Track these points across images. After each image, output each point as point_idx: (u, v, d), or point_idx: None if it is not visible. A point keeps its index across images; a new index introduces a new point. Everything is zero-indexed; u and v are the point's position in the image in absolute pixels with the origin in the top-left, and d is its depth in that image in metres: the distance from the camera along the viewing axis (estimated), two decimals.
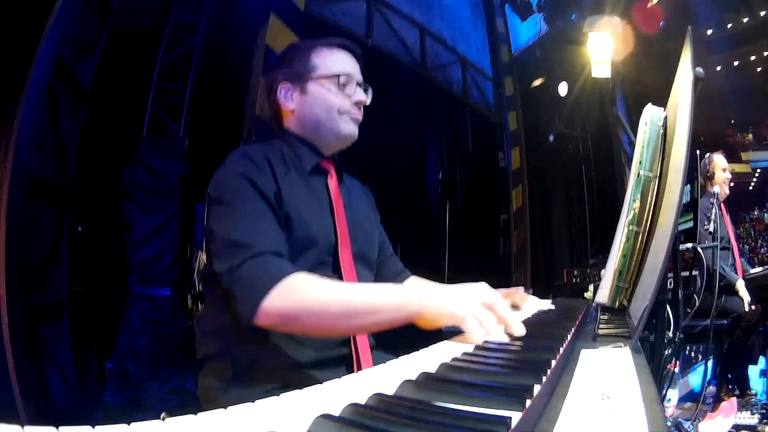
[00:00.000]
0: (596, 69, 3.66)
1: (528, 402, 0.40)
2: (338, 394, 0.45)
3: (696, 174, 1.91)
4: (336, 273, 0.97)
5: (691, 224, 1.77)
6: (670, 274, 1.21)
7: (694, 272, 1.76)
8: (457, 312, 0.72)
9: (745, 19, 7.22)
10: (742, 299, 2.53)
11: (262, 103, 3.11)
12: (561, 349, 0.60)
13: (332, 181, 1.04)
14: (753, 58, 8.27)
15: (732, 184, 2.95)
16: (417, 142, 5.46)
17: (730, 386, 2.69)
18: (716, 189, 2.57)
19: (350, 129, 1.04)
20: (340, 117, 1.03)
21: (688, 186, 1.88)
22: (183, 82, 3.62)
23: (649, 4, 5.93)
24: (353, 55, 1.07)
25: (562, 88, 6.19)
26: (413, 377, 0.48)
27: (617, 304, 0.93)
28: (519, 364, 0.52)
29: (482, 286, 0.78)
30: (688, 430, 1.96)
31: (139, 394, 2.95)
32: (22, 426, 0.28)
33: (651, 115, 1.01)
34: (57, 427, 0.29)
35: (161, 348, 3.13)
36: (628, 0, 5.70)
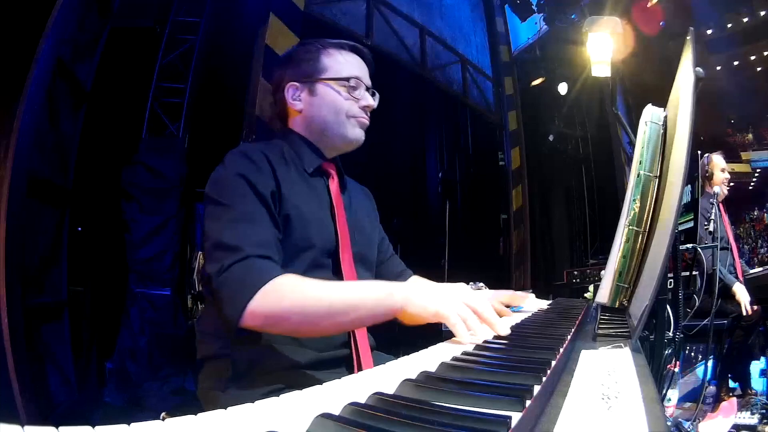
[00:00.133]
0: (596, 69, 3.66)
1: (528, 402, 0.40)
2: (338, 394, 0.45)
3: (696, 174, 1.92)
4: (336, 274, 0.97)
5: (691, 224, 1.78)
6: (670, 275, 1.21)
7: (694, 272, 1.76)
8: (442, 310, 0.73)
9: (745, 19, 7.21)
10: (739, 303, 2.50)
11: (262, 103, 3.13)
12: (561, 349, 0.60)
13: (333, 183, 1.04)
14: (753, 58, 8.26)
15: (732, 184, 2.94)
16: (417, 142, 5.46)
17: (730, 385, 2.70)
18: (716, 189, 2.57)
19: (357, 133, 1.04)
20: (348, 121, 1.02)
21: (689, 186, 1.88)
22: (183, 82, 3.62)
23: (649, 4, 5.93)
24: (363, 59, 1.07)
25: (562, 88, 6.19)
26: (413, 377, 0.48)
27: (617, 304, 0.92)
28: (519, 364, 0.52)
29: (465, 288, 0.78)
30: (688, 430, 1.96)
31: (139, 394, 2.95)
32: (22, 426, 0.28)
33: (651, 114, 1.01)
34: (57, 427, 0.29)
35: (161, 348, 3.12)
36: (628, 0, 5.70)
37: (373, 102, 1.05)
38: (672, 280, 1.24)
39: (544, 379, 0.46)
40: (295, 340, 0.91)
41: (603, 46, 3.59)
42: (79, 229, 2.98)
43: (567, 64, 6.18)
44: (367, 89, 1.05)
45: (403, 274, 1.26)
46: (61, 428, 0.29)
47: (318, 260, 0.95)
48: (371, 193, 1.24)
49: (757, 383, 2.75)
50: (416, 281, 1.28)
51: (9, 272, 2.11)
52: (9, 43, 2.23)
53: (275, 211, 0.90)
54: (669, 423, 1.94)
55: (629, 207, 0.95)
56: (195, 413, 0.37)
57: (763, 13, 6.94)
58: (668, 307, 1.08)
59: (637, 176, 0.96)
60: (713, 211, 2.20)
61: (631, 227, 0.93)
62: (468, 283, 1.24)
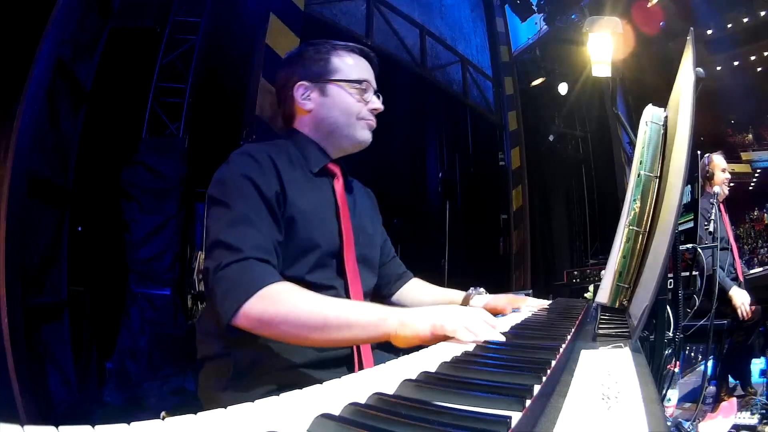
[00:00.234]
0: (596, 69, 3.66)
1: (528, 402, 0.40)
2: (338, 393, 0.45)
3: (696, 174, 1.91)
4: (340, 275, 0.98)
5: (691, 224, 1.78)
6: (670, 275, 1.21)
7: (694, 272, 1.76)
8: (438, 321, 0.73)
9: (745, 19, 7.21)
10: (735, 308, 2.46)
11: (262, 103, 3.13)
12: (561, 349, 0.60)
13: (338, 184, 1.04)
14: (753, 58, 8.26)
15: (732, 184, 2.94)
16: (417, 142, 5.46)
17: (730, 383, 2.70)
18: (716, 189, 2.56)
19: (366, 135, 1.05)
20: (358, 123, 1.03)
21: (689, 186, 1.88)
22: (183, 82, 3.62)
23: (649, 4, 5.93)
24: (370, 62, 1.08)
25: (562, 88, 6.19)
26: (413, 377, 0.48)
27: (617, 304, 0.92)
28: (519, 363, 0.52)
29: (457, 307, 0.78)
30: (688, 430, 1.96)
31: (139, 394, 2.95)
32: (22, 426, 0.28)
33: (651, 115, 1.01)
34: (57, 427, 0.29)
35: (161, 348, 3.12)
36: (628, 0, 5.70)
37: (381, 105, 1.06)
38: (672, 280, 1.24)
39: (544, 379, 0.46)
40: None
41: (603, 46, 3.59)
42: (79, 229, 2.98)
43: (567, 64, 6.18)
44: (375, 92, 1.06)
45: (403, 277, 1.26)
46: (61, 428, 0.29)
47: (322, 261, 0.95)
48: (374, 195, 1.24)
49: (757, 383, 2.76)
50: (417, 284, 1.28)
51: (9, 272, 2.11)
52: (9, 43, 2.23)
53: (279, 212, 0.90)
54: (669, 423, 1.93)
55: (629, 207, 0.95)
56: (195, 413, 0.37)
57: (763, 13, 6.94)
58: (668, 307, 1.08)
59: (638, 176, 0.96)
60: (713, 211, 2.20)
61: (631, 227, 0.93)
62: (468, 288, 1.24)
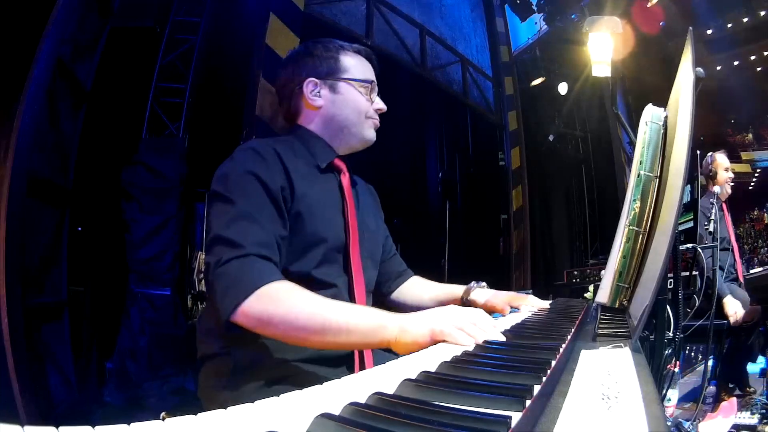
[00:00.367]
0: (596, 69, 3.66)
1: (528, 401, 0.40)
2: (338, 393, 0.45)
3: (696, 174, 1.91)
4: (346, 270, 0.98)
5: (691, 224, 1.78)
6: (670, 275, 1.21)
7: (694, 272, 1.76)
8: (437, 326, 0.72)
9: (745, 19, 7.21)
10: (727, 315, 2.44)
11: (262, 103, 3.13)
12: (561, 349, 0.60)
13: (345, 179, 1.05)
14: (753, 58, 8.26)
15: (732, 183, 2.93)
16: (417, 142, 5.46)
17: (730, 386, 2.69)
18: (716, 189, 2.56)
19: (372, 134, 1.07)
20: (366, 121, 1.05)
21: (689, 186, 1.88)
22: (183, 82, 3.62)
23: (649, 4, 5.93)
24: (372, 65, 1.10)
25: (562, 88, 6.18)
26: (413, 377, 0.48)
27: (617, 304, 0.92)
28: (519, 363, 0.52)
29: (455, 308, 0.77)
30: (688, 430, 1.96)
31: (139, 394, 2.95)
32: (22, 426, 0.28)
33: (651, 114, 1.01)
34: (57, 427, 0.29)
35: (161, 348, 3.12)
36: (628, 0, 5.70)
37: (384, 106, 1.08)
38: (672, 280, 1.24)
39: (544, 379, 0.46)
40: None
41: (603, 46, 3.59)
42: (79, 229, 2.98)
43: (567, 64, 6.18)
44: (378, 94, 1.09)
45: (404, 275, 1.26)
46: (61, 428, 0.29)
47: (328, 256, 0.95)
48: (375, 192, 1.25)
49: (756, 383, 2.75)
50: (417, 282, 1.28)
51: (9, 272, 2.11)
52: (9, 43, 2.23)
53: (284, 208, 0.90)
54: (669, 423, 1.93)
55: (629, 207, 0.95)
56: (195, 413, 0.37)
57: (763, 13, 6.94)
58: (668, 307, 1.08)
59: (638, 176, 0.96)
60: (713, 211, 2.19)
61: (631, 227, 0.93)
62: (470, 282, 1.24)
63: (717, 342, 2.57)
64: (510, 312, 1.15)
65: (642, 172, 0.96)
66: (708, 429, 2.19)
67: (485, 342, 0.69)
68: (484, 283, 1.24)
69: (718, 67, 8.11)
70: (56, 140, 2.59)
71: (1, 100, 2.24)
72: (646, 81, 6.38)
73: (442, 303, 1.20)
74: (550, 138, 6.77)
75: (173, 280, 3.28)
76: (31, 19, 2.32)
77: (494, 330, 0.73)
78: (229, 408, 0.38)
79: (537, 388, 0.43)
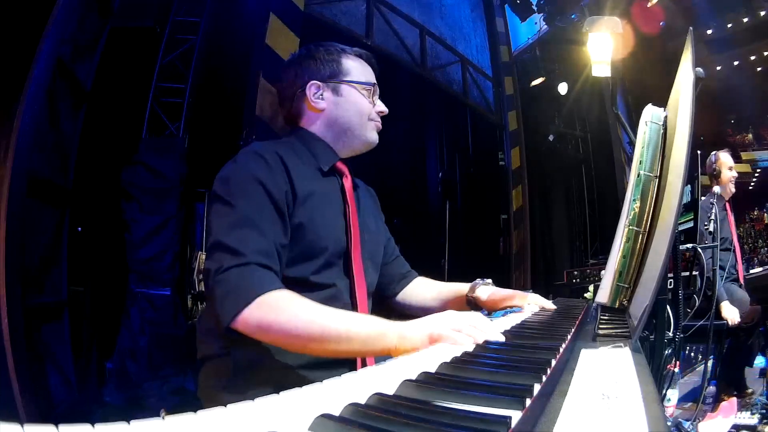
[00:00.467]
0: (596, 69, 3.66)
1: (528, 401, 0.40)
2: (338, 393, 0.45)
3: (696, 174, 1.91)
4: (347, 274, 0.98)
5: (691, 224, 1.78)
6: (670, 275, 1.21)
7: (694, 272, 1.76)
8: (435, 330, 0.73)
9: (745, 19, 7.20)
10: (725, 320, 2.44)
11: (262, 103, 3.13)
12: (561, 349, 0.60)
13: (347, 182, 1.05)
14: (753, 58, 8.25)
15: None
16: (417, 142, 5.46)
17: (729, 386, 2.69)
18: (716, 189, 2.56)
19: (375, 136, 1.08)
20: (369, 123, 1.06)
21: (689, 186, 1.88)
22: (183, 82, 3.62)
23: (649, 4, 5.93)
24: (372, 68, 1.10)
25: (562, 88, 6.18)
26: (413, 377, 0.48)
27: (617, 304, 0.93)
28: (519, 363, 0.52)
29: (453, 312, 0.78)
30: (688, 430, 1.96)
31: (139, 393, 2.95)
32: (22, 426, 0.28)
33: (651, 114, 1.01)
34: (57, 427, 0.29)
35: (161, 348, 3.12)
36: (628, 0, 5.70)
37: (386, 108, 1.09)
38: (672, 280, 1.24)
39: (544, 378, 0.46)
40: None
41: (603, 46, 3.59)
42: (79, 229, 2.98)
43: (567, 64, 6.18)
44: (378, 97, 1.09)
45: (408, 276, 1.26)
46: (61, 427, 0.29)
47: (330, 260, 0.95)
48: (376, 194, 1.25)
49: (756, 383, 2.75)
50: (421, 282, 1.28)
51: (9, 272, 2.11)
52: (9, 43, 2.23)
53: (287, 213, 0.90)
54: (669, 423, 1.93)
55: (629, 207, 0.95)
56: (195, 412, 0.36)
57: (763, 13, 6.94)
58: (668, 307, 1.08)
59: (638, 176, 0.96)
60: (713, 210, 2.19)
61: (631, 227, 0.93)
62: (475, 279, 1.24)
63: (717, 342, 2.57)
64: (512, 312, 1.15)
65: (642, 172, 0.96)
66: (708, 429, 2.19)
67: (485, 342, 0.69)
68: (489, 280, 1.23)
69: (718, 67, 8.11)
70: (56, 140, 2.59)
71: (1, 100, 2.24)
72: (646, 81, 6.38)
73: (448, 302, 1.20)
74: (550, 138, 6.77)
75: (173, 280, 3.28)
76: (31, 19, 2.32)
77: (493, 331, 0.73)
78: (229, 406, 0.38)
79: (537, 388, 0.43)
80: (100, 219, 3.21)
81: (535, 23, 6.44)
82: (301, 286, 0.88)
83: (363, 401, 0.41)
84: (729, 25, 7.32)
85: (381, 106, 1.08)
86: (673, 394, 2.25)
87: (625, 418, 0.36)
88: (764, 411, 2.33)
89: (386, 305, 1.23)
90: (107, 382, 2.99)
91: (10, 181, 2.14)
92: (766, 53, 8.12)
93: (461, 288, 1.24)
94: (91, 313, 3.03)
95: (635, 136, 1.05)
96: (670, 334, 1.11)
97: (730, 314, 2.44)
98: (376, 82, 1.08)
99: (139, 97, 3.49)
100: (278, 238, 0.87)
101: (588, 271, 5.15)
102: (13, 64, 2.24)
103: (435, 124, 5.75)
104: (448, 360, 0.56)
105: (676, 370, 1.76)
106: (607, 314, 0.90)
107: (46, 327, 2.48)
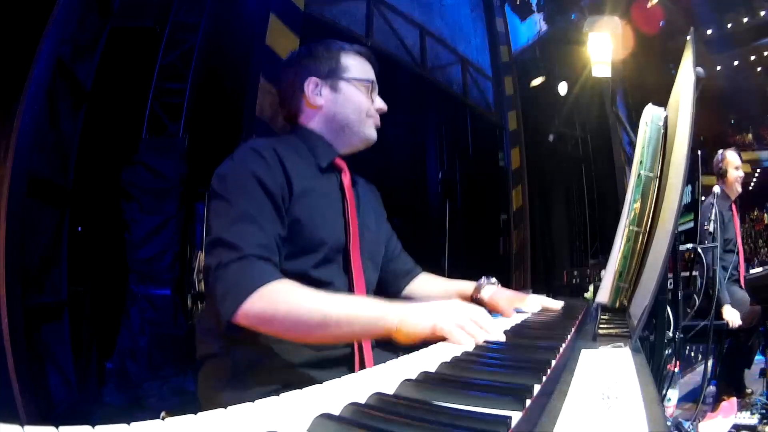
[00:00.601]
0: (596, 69, 3.66)
1: (528, 401, 0.40)
2: (338, 393, 0.45)
3: (696, 174, 1.91)
4: (346, 271, 0.98)
5: (691, 224, 1.78)
6: (670, 275, 1.21)
7: (694, 272, 1.76)
8: (439, 322, 0.73)
9: (745, 19, 7.21)
10: (727, 322, 2.43)
11: (262, 103, 3.13)
12: (561, 349, 0.60)
13: (346, 179, 1.05)
14: (753, 58, 8.26)
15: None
16: (417, 142, 5.45)
17: (729, 386, 2.69)
18: (716, 189, 2.55)
19: (373, 133, 1.08)
20: (367, 120, 1.05)
21: (689, 186, 1.88)
22: (183, 82, 3.61)
23: (649, 4, 5.92)
24: (372, 66, 1.10)
25: (562, 88, 6.18)
26: (413, 377, 0.48)
27: (617, 304, 0.93)
28: (519, 363, 0.52)
29: (458, 302, 0.78)
30: (688, 430, 1.96)
31: (139, 394, 2.95)
32: (22, 426, 0.28)
33: (651, 115, 1.01)
34: (57, 427, 0.29)
35: (161, 348, 3.12)
36: (628, 0, 5.70)
37: (385, 105, 1.09)
38: (672, 280, 1.24)
39: (544, 378, 0.46)
40: None
41: (603, 46, 3.59)
42: (79, 229, 2.98)
43: (567, 64, 6.17)
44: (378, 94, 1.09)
45: (412, 272, 1.25)
46: (61, 428, 0.29)
47: (328, 256, 0.95)
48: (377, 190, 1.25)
49: (756, 383, 2.75)
50: (426, 278, 1.28)
51: (9, 272, 2.11)
52: (9, 43, 2.23)
53: (284, 208, 0.90)
54: (669, 423, 1.93)
55: (629, 207, 0.95)
56: (195, 413, 0.37)
57: (763, 13, 6.94)
58: (668, 307, 1.08)
59: (638, 176, 0.96)
60: (713, 211, 2.19)
61: (631, 227, 0.93)
62: (475, 279, 1.24)
63: (717, 342, 2.57)
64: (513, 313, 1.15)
65: (642, 172, 0.96)
66: (708, 429, 2.19)
67: (485, 342, 0.69)
68: (494, 279, 1.23)
69: (718, 67, 8.11)
70: (56, 140, 2.59)
71: (1, 100, 2.24)
72: (646, 81, 6.38)
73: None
74: (550, 138, 6.77)
75: (173, 280, 3.28)
76: (31, 19, 2.32)
77: (495, 329, 0.73)
78: (229, 408, 0.38)
79: (537, 388, 0.43)
80: (100, 219, 3.21)
81: (535, 23, 6.44)
82: (300, 281, 0.88)
83: (363, 401, 0.41)
84: (729, 25, 7.32)
85: (380, 103, 1.08)
86: (673, 394, 2.25)
87: (626, 418, 0.36)
88: (764, 411, 2.33)
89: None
90: (107, 382, 2.99)
91: (10, 181, 2.14)
92: (766, 53, 8.12)
93: (466, 287, 1.24)
94: (91, 313, 3.03)
95: (635, 136, 1.05)
96: (670, 334, 1.11)
97: (731, 317, 2.44)
98: (375, 79, 1.08)
99: (139, 97, 3.49)
100: (277, 230, 0.88)
101: (588, 271, 5.15)
102: (13, 64, 2.24)
103: (435, 124, 5.75)
104: (448, 360, 0.56)
105: (676, 370, 1.76)
106: (607, 314, 0.90)
107: (46, 327, 2.48)
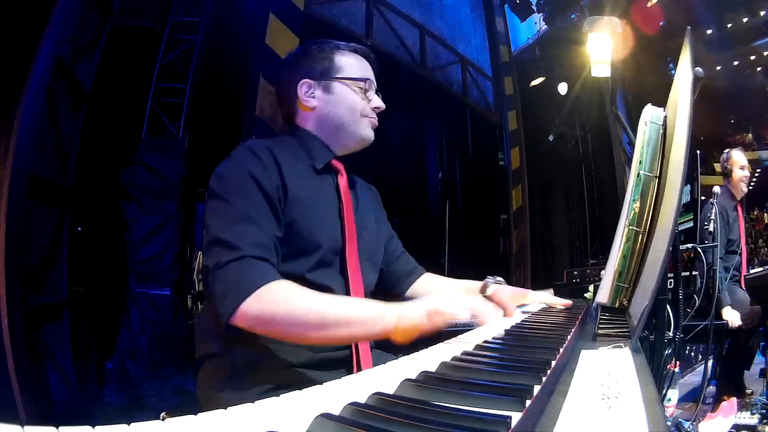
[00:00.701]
0: (596, 69, 3.67)
1: (528, 402, 0.40)
2: (338, 393, 0.45)
3: (696, 174, 1.91)
4: (342, 274, 0.98)
5: (691, 224, 1.78)
6: (670, 275, 1.21)
7: (694, 272, 1.76)
8: (437, 306, 0.74)
9: (745, 19, 7.21)
10: (726, 322, 2.44)
11: (262, 103, 3.13)
12: (561, 349, 0.60)
13: (342, 180, 1.04)
14: (753, 58, 8.25)
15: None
16: (417, 142, 5.45)
17: (729, 386, 2.69)
18: (716, 189, 2.54)
19: (369, 133, 1.06)
20: (362, 120, 1.04)
21: (688, 186, 1.88)
22: (183, 82, 3.61)
23: (649, 4, 5.93)
24: (370, 63, 1.09)
25: (562, 88, 6.19)
26: (413, 377, 0.48)
27: (617, 304, 0.93)
28: (519, 363, 0.52)
29: (456, 293, 0.79)
30: (688, 430, 1.96)
31: (139, 394, 2.95)
32: (22, 426, 0.28)
33: (651, 114, 1.01)
34: (57, 427, 0.29)
35: (161, 348, 3.12)
36: (628, 0, 5.70)
37: (382, 104, 1.07)
38: (672, 280, 1.24)
39: (544, 379, 0.46)
40: None
41: (603, 46, 3.59)
42: (79, 229, 2.98)
43: (567, 64, 6.18)
44: (376, 92, 1.08)
45: (415, 272, 1.24)
46: (61, 428, 0.29)
47: (325, 259, 0.95)
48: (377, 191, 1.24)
49: (756, 383, 2.75)
50: (429, 279, 1.27)
51: (9, 272, 2.11)
52: (9, 43, 2.23)
53: (280, 209, 0.90)
54: (669, 423, 1.93)
55: (629, 207, 0.95)
56: (195, 413, 0.37)
57: (763, 13, 6.94)
58: (668, 307, 1.08)
59: (637, 176, 0.96)
60: (713, 211, 2.19)
61: (631, 227, 0.93)
62: (486, 277, 1.23)
63: (717, 342, 2.57)
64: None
65: (642, 172, 0.96)
66: (708, 429, 2.19)
67: (485, 341, 0.69)
68: (501, 279, 1.23)
69: (718, 67, 8.10)
70: (56, 140, 2.59)
71: (1, 100, 2.24)
72: (646, 81, 6.38)
73: None
74: (550, 138, 6.77)
75: (173, 280, 3.28)
76: (31, 19, 2.32)
77: (492, 313, 0.73)
78: (229, 408, 0.38)
79: (537, 388, 0.43)
80: (100, 219, 3.21)
81: (535, 23, 6.45)
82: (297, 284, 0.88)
83: (363, 401, 0.41)
84: (729, 25, 7.32)
85: (377, 102, 1.06)
86: (673, 394, 2.25)
87: (626, 418, 0.36)
88: (764, 411, 2.33)
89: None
90: (107, 382, 2.99)
91: (10, 181, 2.14)
92: (766, 53, 8.12)
93: (471, 286, 1.23)
94: (91, 313, 3.03)
95: (635, 136, 1.05)
96: (670, 334, 1.11)
97: (731, 317, 2.44)
98: (371, 77, 1.07)
99: (139, 97, 3.49)
100: (274, 230, 0.88)
101: (588, 271, 5.15)
102: (13, 64, 2.24)
103: (435, 124, 5.75)
104: (448, 360, 0.56)
105: (676, 370, 1.76)
106: (607, 314, 0.90)
107: (46, 327, 2.48)
